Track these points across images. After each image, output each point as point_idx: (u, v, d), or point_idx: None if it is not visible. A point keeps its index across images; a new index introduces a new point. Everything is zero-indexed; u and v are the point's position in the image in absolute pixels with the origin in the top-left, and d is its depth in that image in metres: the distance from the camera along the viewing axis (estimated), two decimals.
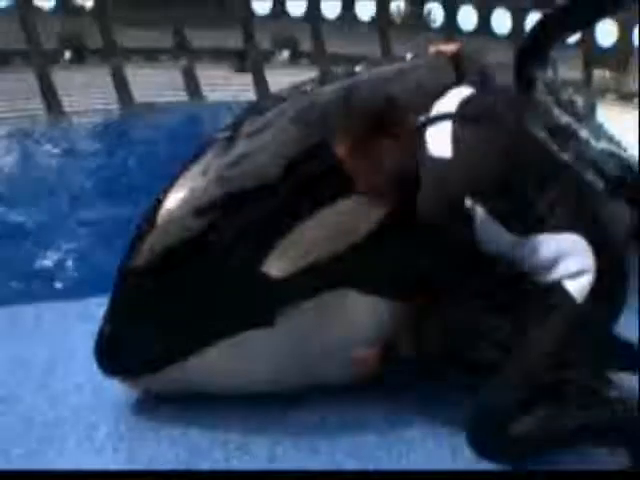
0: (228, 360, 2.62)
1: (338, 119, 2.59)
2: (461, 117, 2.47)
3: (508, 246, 2.38)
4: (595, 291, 2.36)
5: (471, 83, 2.73)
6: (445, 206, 2.34)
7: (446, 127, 2.44)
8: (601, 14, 3.72)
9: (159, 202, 2.60)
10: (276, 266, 2.48)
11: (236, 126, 2.90)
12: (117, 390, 2.70)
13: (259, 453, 2.40)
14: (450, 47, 3.14)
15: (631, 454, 2.33)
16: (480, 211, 2.33)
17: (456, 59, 3.05)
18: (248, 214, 2.59)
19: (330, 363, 2.70)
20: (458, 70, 2.97)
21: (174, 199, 2.56)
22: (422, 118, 2.52)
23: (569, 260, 2.34)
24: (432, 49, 3.22)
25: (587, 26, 3.50)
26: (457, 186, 2.35)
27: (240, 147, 2.77)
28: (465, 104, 2.54)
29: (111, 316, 2.57)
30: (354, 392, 2.74)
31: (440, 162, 2.40)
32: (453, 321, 2.47)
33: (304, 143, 2.68)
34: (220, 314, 2.55)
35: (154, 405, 2.71)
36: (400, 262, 2.58)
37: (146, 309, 2.59)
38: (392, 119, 2.49)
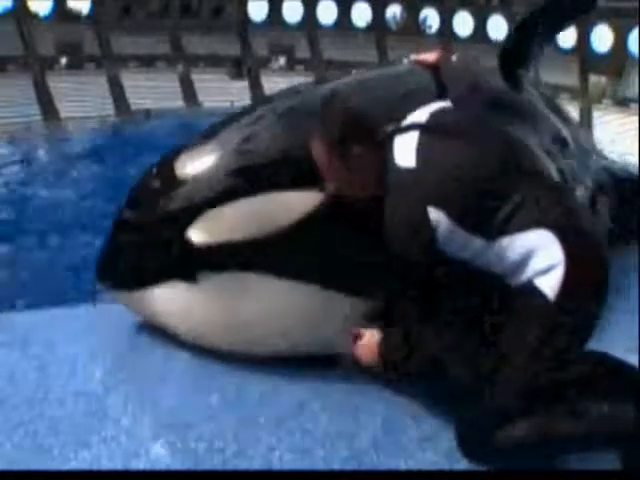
0: (171, 300, 2.95)
1: (313, 122, 2.67)
2: (428, 128, 2.46)
3: (475, 252, 2.35)
4: (568, 284, 2.29)
5: (455, 99, 2.69)
6: (408, 215, 2.34)
7: (412, 137, 2.45)
8: (575, 14, 3.79)
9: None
10: (197, 234, 2.80)
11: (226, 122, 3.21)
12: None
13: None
14: (430, 57, 3.12)
15: (623, 455, 2.30)
16: (444, 220, 2.31)
17: (436, 69, 3.03)
18: (199, 186, 2.89)
19: (246, 336, 2.90)
20: (438, 80, 2.96)
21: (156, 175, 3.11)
22: (390, 128, 2.53)
23: (537, 256, 2.29)
24: (413, 57, 3.21)
25: (563, 27, 3.53)
26: (420, 195, 2.34)
27: (220, 134, 3.09)
28: (434, 116, 2.53)
29: (111, 244, 3.12)
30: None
31: (404, 172, 2.40)
32: (417, 332, 2.45)
33: (266, 135, 2.94)
34: (166, 259, 2.95)
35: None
36: (331, 256, 2.73)
37: (130, 246, 3.06)
38: (360, 129, 2.51)
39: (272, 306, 2.81)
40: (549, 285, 2.25)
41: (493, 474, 2.35)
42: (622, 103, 21.49)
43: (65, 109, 19.16)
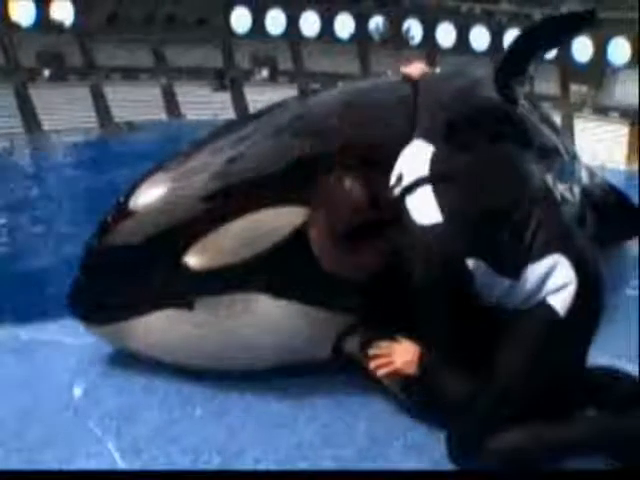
0: (159, 329, 2.87)
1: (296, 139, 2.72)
2: (438, 179, 2.45)
3: (504, 291, 2.37)
4: (577, 300, 2.36)
5: (424, 136, 2.65)
6: (446, 269, 2.34)
7: (426, 193, 2.44)
8: (574, 30, 3.81)
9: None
10: (194, 259, 2.76)
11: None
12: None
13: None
14: (413, 71, 3.06)
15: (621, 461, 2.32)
16: (483, 267, 2.33)
17: (414, 84, 3.00)
18: (188, 209, 2.80)
19: (240, 356, 2.88)
20: (414, 97, 2.93)
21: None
22: (397, 190, 2.50)
23: (552, 278, 2.35)
24: (401, 69, 3.16)
25: (560, 43, 3.51)
26: (456, 248, 2.35)
27: (204, 151, 3.00)
28: (435, 164, 2.52)
29: (83, 274, 2.94)
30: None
31: (432, 228, 2.39)
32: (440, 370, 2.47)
33: (250, 153, 2.89)
34: (155, 288, 2.84)
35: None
36: (320, 273, 2.72)
37: (107, 275, 2.91)
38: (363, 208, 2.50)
39: (268, 322, 2.80)
40: (561, 302, 2.31)
41: (493, 474, 2.35)
42: (602, 111, 21.70)
43: (48, 121, 19.14)
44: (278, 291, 2.79)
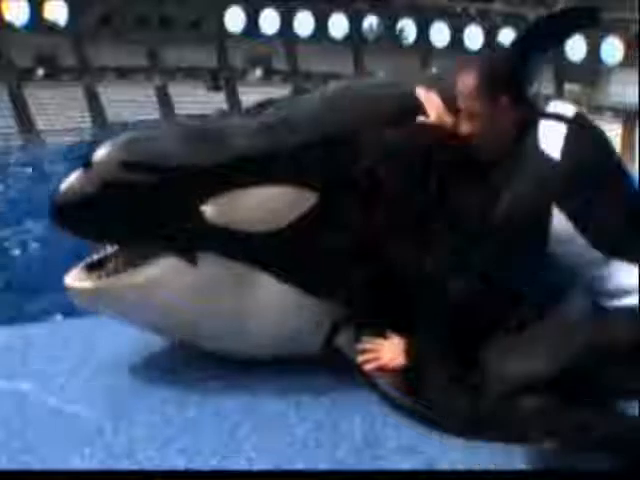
0: (160, 284, 2.74)
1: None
2: (573, 125, 2.38)
3: (586, 262, 2.28)
4: None
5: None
6: (533, 204, 2.27)
7: (561, 129, 2.35)
8: (573, 29, 3.79)
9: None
10: (211, 211, 2.66)
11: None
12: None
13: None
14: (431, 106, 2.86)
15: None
16: (564, 221, 2.26)
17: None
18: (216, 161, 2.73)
19: (237, 338, 2.83)
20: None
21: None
22: (541, 107, 2.41)
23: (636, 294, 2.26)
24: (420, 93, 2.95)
25: (567, 38, 3.56)
26: (555, 189, 2.27)
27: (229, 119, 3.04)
28: (577, 116, 2.45)
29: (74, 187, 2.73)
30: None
31: (546, 159, 2.29)
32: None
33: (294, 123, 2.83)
34: (162, 231, 2.72)
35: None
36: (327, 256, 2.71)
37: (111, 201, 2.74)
38: (518, 90, 2.37)
39: (268, 305, 2.78)
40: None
41: (493, 474, 2.35)
42: (597, 111, 21.73)
43: (42, 121, 19.07)
44: (282, 273, 2.76)
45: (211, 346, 2.91)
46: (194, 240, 2.75)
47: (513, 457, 2.44)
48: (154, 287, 2.77)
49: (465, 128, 2.36)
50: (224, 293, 2.78)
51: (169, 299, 2.78)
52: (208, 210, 2.68)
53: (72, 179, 2.76)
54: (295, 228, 2.73)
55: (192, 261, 2.73)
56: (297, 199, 2.73)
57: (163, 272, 2.76)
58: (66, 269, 2.96)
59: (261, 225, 2.72)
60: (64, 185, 2.75)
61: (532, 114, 2.38)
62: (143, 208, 2.71)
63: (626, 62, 24.47)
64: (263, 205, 2.71)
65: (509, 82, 2.37)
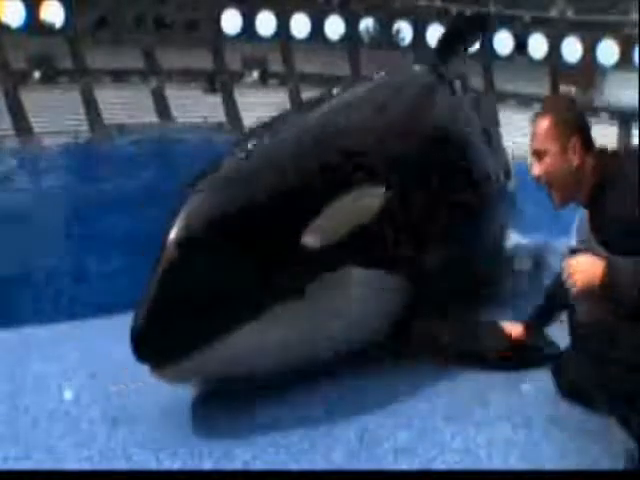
0: (260, 336, 2.62)
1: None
2: None
3: None
4: None
5: None
6: None
7: None
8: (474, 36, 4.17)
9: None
10: (312, 238, 2.65)
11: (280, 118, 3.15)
12: None
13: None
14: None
15: None
16: None
17: None
18: (287, 194, 2.67)
19: (353, 329, 2.83)
20: None
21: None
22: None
23: None
24: None
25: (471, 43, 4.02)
26: None
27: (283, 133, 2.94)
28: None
29: (149, 304, 2.49)
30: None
31: None
32: None
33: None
34: (258, 285, 2.61)
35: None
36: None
37: (188, 286, 2.54)
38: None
39: (357, 294, 2.81)
40: None
41: (493, 474, 2.36)
42: (593, 112, 21.80)
43: (38, 123, 19.08)
44: (367, 265, 2.81)
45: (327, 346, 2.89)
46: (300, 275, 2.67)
47: (512, 457, 2.46)
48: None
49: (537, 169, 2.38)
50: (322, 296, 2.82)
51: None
52: (307, 239, 2.65)
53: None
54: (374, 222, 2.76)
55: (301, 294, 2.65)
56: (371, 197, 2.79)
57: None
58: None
59: (347, 229, 2.79)
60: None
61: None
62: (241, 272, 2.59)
63: (622, 64, 24.67)
64: (348, 212, 2.74)
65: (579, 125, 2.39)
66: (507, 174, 3.72)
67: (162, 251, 2.49)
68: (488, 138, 3.59)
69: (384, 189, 2.80)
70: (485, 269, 3.35)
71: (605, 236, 2.33)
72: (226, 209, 2.57)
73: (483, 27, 3.99)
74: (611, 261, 2.27)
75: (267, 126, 3.11)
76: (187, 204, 2.56)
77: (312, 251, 2.63)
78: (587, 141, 2.35)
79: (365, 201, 2.82)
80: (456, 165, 3.10)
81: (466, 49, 4.00)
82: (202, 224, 2.52)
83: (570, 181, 2.36)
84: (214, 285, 2.51)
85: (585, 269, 2.32)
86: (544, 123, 2.34)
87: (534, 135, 2.36)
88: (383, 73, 3.59)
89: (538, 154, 2.35)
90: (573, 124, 2.36)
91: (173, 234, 2.48)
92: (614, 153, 2.44)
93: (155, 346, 2.47)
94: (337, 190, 2.72)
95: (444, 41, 3.88)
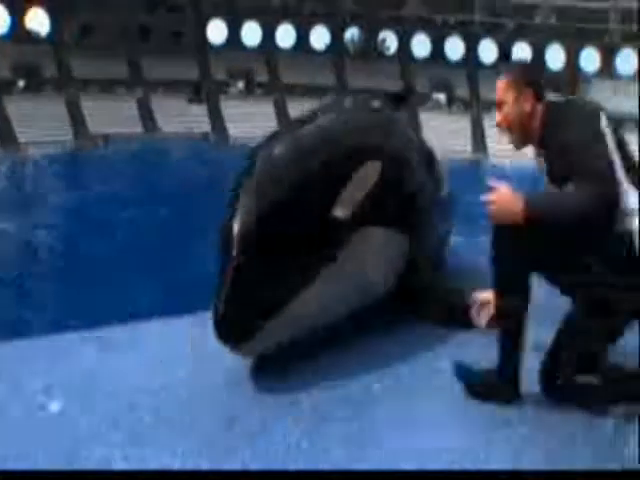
0: (315, 297, 3.06)
1: None
2: None
3: None
4: None
5: None
6: None
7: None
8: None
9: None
10: (341, 210, 3.10)
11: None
12: None
13: None
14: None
15: None
16: None
17: None
18: (315, 181, 3.14)
19: (374, 284, 3.31)
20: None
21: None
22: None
23: None
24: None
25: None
26: None
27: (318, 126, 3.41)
28: None
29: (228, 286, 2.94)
30: None
31: None
32: None
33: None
34: (308, 255, 3.05)
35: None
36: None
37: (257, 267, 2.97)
38: None
39: (379, 249, 3.29)
40: None
41: (493, 474, 2.37)
42: None
43: (23, 133, 18.99)
44: (384, 224, 3.31)
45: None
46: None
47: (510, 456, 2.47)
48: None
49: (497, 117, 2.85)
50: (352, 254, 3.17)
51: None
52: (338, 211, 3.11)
53: None
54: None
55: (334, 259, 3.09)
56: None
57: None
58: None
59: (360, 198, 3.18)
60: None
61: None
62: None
63: (603, 72, 24.91)
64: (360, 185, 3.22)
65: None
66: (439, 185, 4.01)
67: (227, 246, 2.93)
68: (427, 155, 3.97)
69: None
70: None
71: (552, 172, 2.68)
72: (274, 202, 3.02)
73: (405, 101, 4.53)
74: (528, 196, 2.60)
75: (279, 134, 3.47)
76: (241, 203, 3.03)
77: (341, 220, 3.12)
78: (538, 93, 2.79)
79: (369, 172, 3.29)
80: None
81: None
82: (259, 216, 2.97)
83: (524, 125, 2.79)
84: (275, 265, 2.96)
85: (503, 203, 2.64)
86: (503, 81, 2.83)
87: (496, 91, 2.85)
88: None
89: (499, 105, 2.82)
90: (526, 79, 2.81)
91: (237, 230, 2.94)
92: (560, 101, 2.88)
93: (234, 328, 2.90)
94: (349, 172, 3.22)
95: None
